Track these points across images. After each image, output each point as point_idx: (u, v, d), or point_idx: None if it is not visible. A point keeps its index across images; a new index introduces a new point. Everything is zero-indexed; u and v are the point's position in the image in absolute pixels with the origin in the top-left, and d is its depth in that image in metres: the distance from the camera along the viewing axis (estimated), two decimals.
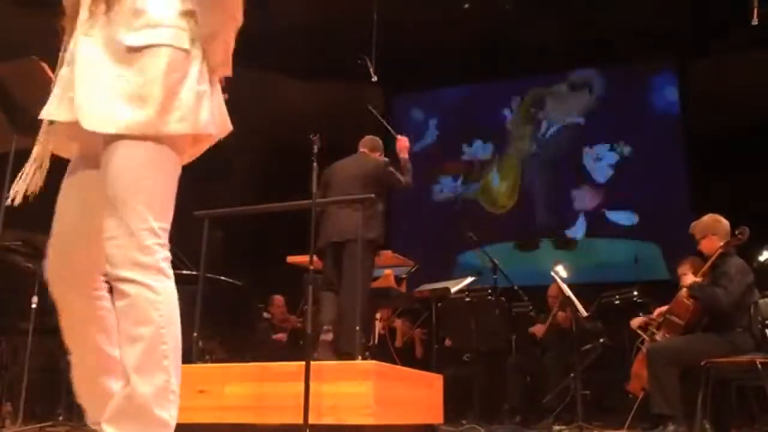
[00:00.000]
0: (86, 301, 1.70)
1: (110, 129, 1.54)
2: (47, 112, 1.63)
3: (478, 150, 8.80)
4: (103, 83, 1.56)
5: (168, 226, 1.60)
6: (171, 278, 1.58)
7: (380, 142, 4.81)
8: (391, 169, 4.54)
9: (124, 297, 1.52)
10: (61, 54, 1.70)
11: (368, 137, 4.78)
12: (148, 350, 1.50)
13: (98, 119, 1.54)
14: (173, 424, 1.54)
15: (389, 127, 4.87)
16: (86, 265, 1.68)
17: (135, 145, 1.55)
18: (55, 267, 1.69)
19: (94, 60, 1.58)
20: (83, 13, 1.64)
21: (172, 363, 1.53)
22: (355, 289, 4.01)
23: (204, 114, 1.63)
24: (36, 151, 1.70)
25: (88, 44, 1.61)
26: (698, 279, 4.15)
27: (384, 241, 4.46)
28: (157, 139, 1.56)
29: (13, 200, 1.68)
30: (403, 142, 4.77)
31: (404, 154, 4.71)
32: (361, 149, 4.70)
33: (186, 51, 1.62)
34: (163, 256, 1.56)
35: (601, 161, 8.25)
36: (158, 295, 1.53)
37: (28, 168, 1.69)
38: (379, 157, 4.68)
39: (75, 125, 1.57)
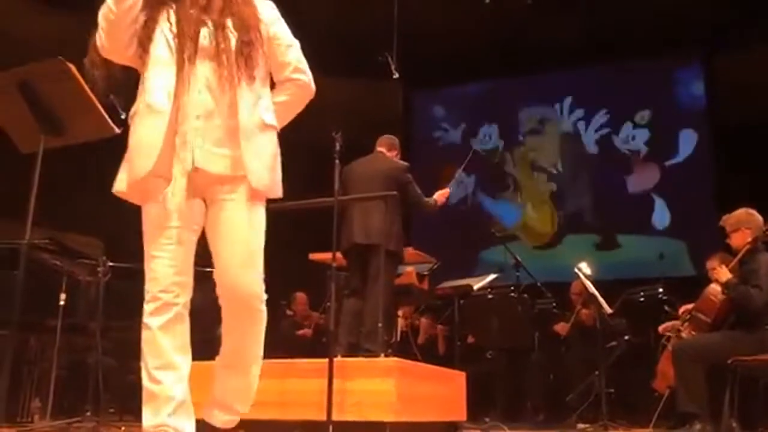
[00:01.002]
0: None
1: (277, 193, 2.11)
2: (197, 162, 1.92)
3: (493, 143, 8.76)
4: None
5: None
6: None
7: (397, 141, 4.79)
8: (410, 176, 4.50)
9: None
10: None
11: (385, 136, 4.77)
12: None
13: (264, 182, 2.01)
14: None
15: (459, 175, 4.92)
16: None
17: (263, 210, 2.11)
18: None
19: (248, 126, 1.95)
20: (218, 68, 1.94)
21: None
22: (377, 297, 4.07)
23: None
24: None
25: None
26: (731, 276, 4.08)
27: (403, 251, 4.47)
28: None
29: None
30: (444, 194, 4.78)
31: (440, 200, 4.73)
32: (379, 148, 4.69)
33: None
34: None
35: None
36: None
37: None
38: (396, 159, 4.66)
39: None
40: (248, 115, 1.94)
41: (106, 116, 2.30)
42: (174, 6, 1.96)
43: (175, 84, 1.89)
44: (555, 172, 8.49)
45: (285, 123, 2.14)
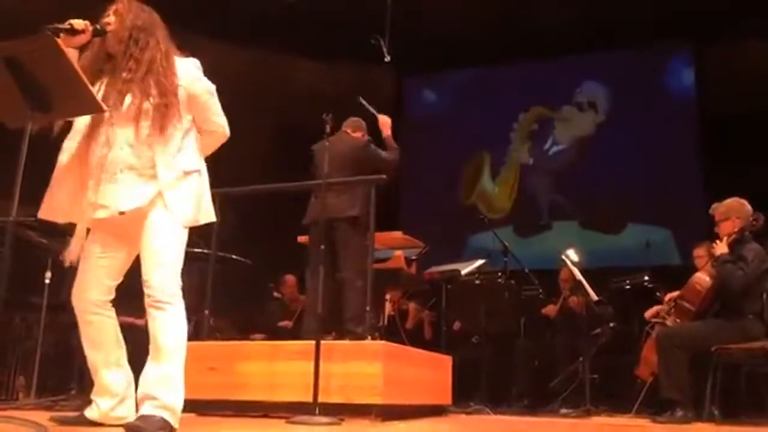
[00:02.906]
0: None
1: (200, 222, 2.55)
2: None
3: (490, 130, 8.76)
4: None
5: None
6: None
7: (363, 123, 4.69)
8: (372, 147, 4.46)
9: None
10: None
11: (352, 118, 4.68)
12: None
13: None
14: None
15: (372, 109, 4.75)
16: None
17: None
18: None
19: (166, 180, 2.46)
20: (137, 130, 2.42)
21: None
22: (354, 273, 4.02)
23: None
24: None
25: None
26: (727, 251, 4.10)
27: (371, 219, 4.07)
28: None
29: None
30: (384, 119, 4.70)
31: (386, 132, 4.64)
32: (344, 129, 4.61)
33: None
34: None
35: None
36: None
37: None
38: (359, 137, 4.58)
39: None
40: (166, 171, 2.36)
41: (95, 93, 2.28)
42: (106, 79, 2.42)
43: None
44: (545, 154, 8.52)
45: (208, 154, 2.61)
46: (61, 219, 2.41)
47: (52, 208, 2.40)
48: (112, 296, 2.51)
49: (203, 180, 2.50)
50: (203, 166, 2.53)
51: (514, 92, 8.72)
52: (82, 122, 2.44)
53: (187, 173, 2.42)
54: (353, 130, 4.62)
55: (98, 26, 2.38)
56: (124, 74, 2.40)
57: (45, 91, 2.22)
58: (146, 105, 2.35)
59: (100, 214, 2.36)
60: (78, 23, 2.31)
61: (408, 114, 9.08)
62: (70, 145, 2.42)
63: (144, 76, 2.38)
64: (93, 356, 2.50)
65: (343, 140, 4.47)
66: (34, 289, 3.89)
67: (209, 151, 2.61)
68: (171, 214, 2.35)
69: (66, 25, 2.27)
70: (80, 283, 2.47)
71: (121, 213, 2.34)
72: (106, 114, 2.36)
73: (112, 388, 2.48)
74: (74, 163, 2.40)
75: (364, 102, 4.65)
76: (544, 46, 7.95)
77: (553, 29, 7.58)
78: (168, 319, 2.30)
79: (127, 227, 2.40)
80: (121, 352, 2.53)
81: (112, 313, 2.52)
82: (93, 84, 2.33)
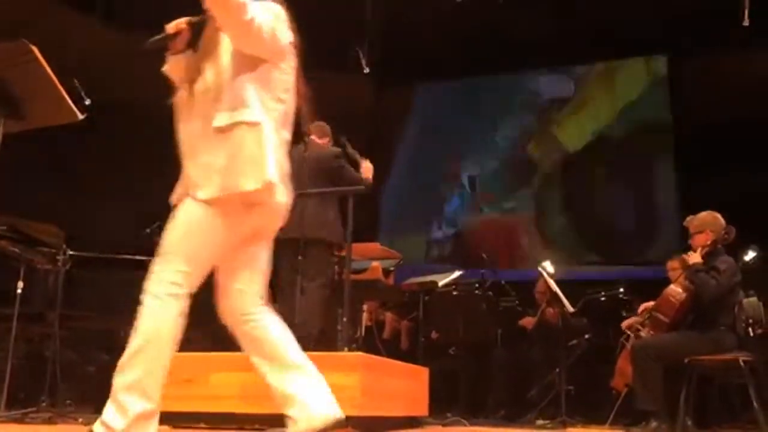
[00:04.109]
0: None
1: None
2: None
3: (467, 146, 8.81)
4: None
5: None
6: None
7: (328, 128, 4.57)
8: (342, 161, 4.34)
9: None
10: None
11: (316, 123, 4.48)
12: None
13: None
14: None
15: (355, 154, 4.62)
16: None
17: None
18: None
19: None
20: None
21: None
22: (313, 291, 4.01)
23: None
24: None
25: None
26: (701, 261, 4.16)
27: (343, 238, 4.11)
28: None
29: None
30: (367, 165, 4.49)
31: (368, 175, 4.45)
32: (311, 136, 4.40)
33: None
34: None
35: None
36: None
37: None
38: (328, 146, 4.46)
39: None
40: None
41: (70, 101, 2.25)
42: None
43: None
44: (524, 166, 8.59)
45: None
46: None
47: None
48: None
49: None
50: None
51: (493, 104, 8.78)
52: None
53: None
54: (320, 136, 4.49)
55: (193, 18, 2.12)
56: None
57: (19, 97, 2.20)
58: None
59: None
60: (169, 26, 2.10)
61: (386, 124, 9.10)
62: None
63: None
64: None
65: (312, 147, 4.27)
66: (5, 299, 3.82)
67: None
68: None
69: (162, 35, 2.09)
70: None
71: None
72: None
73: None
74: None
75: (348, 145, 4.50)
76: (521, 60, 8.03)
77: (529, 44, 7.66)
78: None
79: None
80: None
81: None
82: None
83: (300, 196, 3.62)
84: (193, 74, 2.07)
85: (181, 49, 2.11)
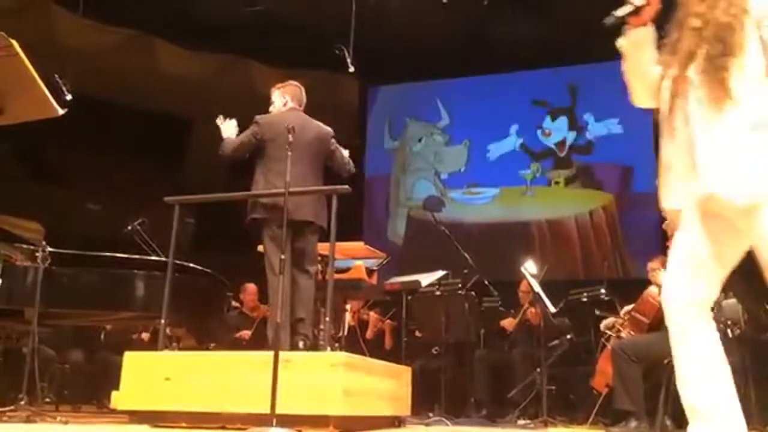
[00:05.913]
0: None
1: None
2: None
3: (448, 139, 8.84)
4: None
5: None
6: None
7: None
8: (335, 141, 4.25)
9: None
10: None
11: (290, 84, 4.30)
12: None
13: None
14: None
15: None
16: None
17: None
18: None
19: None
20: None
21: None
22: (311, 281, 3.96)
23: None
24: None
25: None
26: None
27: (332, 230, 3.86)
28: None
29: None
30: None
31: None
32: (293, 104, 4.21)
33: None
34: None
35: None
36: None
37: None
38: (321, 124, 4.27)
39: None
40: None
41: (50, 96, 2.22)
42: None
43: None
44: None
45: None
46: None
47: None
48: None
49: None
50: None
51: (478, 105, 8.81)
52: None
53: None
54: (300, 104, 4.25)
55: None
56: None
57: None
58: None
59: None
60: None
61: (372, 123, 9.10)
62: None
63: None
64: None
65: (309, 122, 4.13)
66: None
67: None
68: None
69: (627, 9, 1.96)
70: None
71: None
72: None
73: None
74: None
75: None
76: (508, 59, 8.05)
77: (515, 44, 7.69)
78: None
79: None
80: None
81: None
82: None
83: (295, 179, 3.48)
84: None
85: (645, 22, 1.98)
